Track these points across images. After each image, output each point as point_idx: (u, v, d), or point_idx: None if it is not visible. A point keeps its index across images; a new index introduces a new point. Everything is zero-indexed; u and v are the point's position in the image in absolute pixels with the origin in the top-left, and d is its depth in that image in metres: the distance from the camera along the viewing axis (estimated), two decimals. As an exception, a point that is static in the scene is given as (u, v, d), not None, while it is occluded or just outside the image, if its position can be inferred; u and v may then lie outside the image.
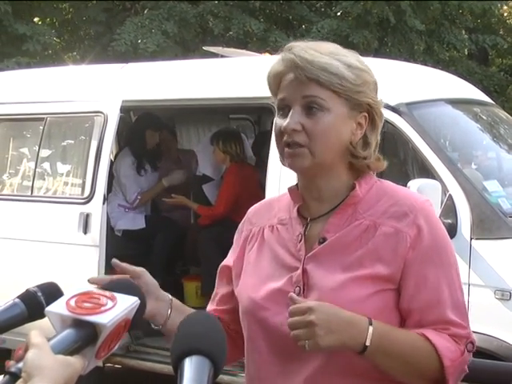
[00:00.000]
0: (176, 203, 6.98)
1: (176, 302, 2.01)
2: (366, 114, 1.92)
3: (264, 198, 2.23)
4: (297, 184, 2.00)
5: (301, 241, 1.94)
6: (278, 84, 1.93)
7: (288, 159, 1.91)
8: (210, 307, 2.14)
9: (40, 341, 1.22)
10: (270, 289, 1.94)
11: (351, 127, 1.90)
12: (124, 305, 1.31)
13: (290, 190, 2.00)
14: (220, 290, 2.12)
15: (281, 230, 2.00)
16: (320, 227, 1.94)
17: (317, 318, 1.74)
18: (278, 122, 1.92)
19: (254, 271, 2.00)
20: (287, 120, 1.88)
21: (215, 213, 6.67)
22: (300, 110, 1.88)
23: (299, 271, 1.91)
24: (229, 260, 2.11)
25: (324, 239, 1.92)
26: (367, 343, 1.78)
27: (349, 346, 1.79)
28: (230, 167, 6.76)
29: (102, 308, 1.29)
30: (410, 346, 1.83)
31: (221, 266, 2.12)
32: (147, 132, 7.08)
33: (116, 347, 1.34)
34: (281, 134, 1.90)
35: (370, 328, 1.78)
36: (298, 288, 1.90)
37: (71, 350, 1.26)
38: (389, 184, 1.99)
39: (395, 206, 1.90)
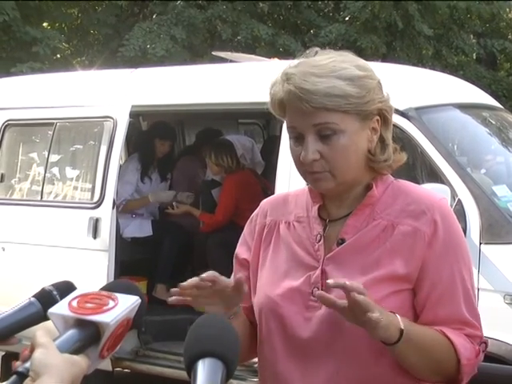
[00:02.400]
0: (180, 213, 6.98)
1: None
2: (378, 117, 1.91)
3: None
4: None
5: (319, 241, 1.94)
6: (283, 110, 1.92)
7: (312, 183, 1.93)
8: None
9: (46, 340, 1.23)
10: (287, 287, 1.94)
11: (367, 136, 1.90)
12: (126, 304, 1.33)
13: (310, 189, 2.00)
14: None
15: (297, 228, 2.00)
16: (338, 228, 1.94)
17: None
18: (294, 149, 1.91)
19: (270, 268, 2.00)
20: (303, 152, 1.87)
21: (215, 221, 6.70)
22: (314, 138, 1.87)
23: (318, 272, 1.91)
24: (241, 251, 2.09)
25: (343, 240, 1.92)
26: (402, 326, 1.77)
27: (389, 331, 1.77)
28: (226, 177, 6.78)
29: (104, 308, 1.31)
30: (432, 340, 1.84)
31: (236, 255, 2.11)
32: (156, 140, 7.11)
33: (118, 347, 1.36)
34: (300, 163, 1.89)
35: (398, 316, 1.79)
36: (315, 289, 1.90)
37: (75, 349, 1.27)
38: (405, 183, 1.99)
39: (412, 204, 1.91)
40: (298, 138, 1.90)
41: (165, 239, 6.92)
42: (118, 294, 1.35)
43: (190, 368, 1.28)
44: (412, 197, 1.93)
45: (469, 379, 1.94)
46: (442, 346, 1.85)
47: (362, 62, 1.93)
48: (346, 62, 1.89)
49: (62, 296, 1.52)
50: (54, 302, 1.53)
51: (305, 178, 1.94)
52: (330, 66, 1.87)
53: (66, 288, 1.58)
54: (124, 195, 6.88)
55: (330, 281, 1.77)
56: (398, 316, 1.79)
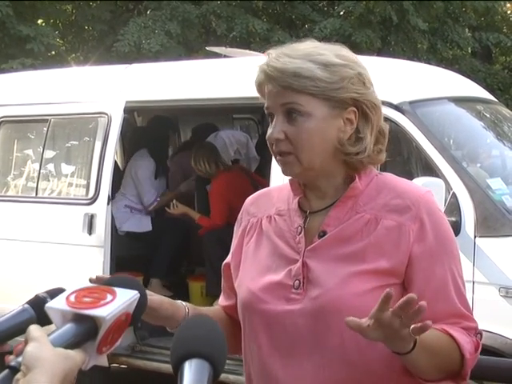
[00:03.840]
0: (179, 213, 6.96)
1: (192, 306, 2.01)
2: (355, 109, 1.88)
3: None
4: None
5: (300, 233, 1.93)
6: (263, 93, 1.93)
7: (280, 167, 1.92)
8: (220, 302, 2.16)
9: (39, 334, 1.23)
10: (268, 281, 1.93)
11: (338, 125, 1.88)
12: (123, 298, 1.32)
13: (291, 181, 1.99)
14: (225, 285, 2.13)
15: (278, 221, 1.99)
16: (319, 220, 1.93)
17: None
18: (268, 131, 1.93)
19: (252, 263, 1.99)
20: (270, 130, 1.89)
21: (213, 225, 6.65)
22: (282, 118, 1.88)
23: (299, 264, 1.90)
24: (229, 256, 2.11)
25: (324, 233, 1.90)
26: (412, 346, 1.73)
27: (402, 342, 1.73)
28: (213, 180, 6.76)
29: (102, 302, 1.30)
30: (438, 341, 1.83)
31: (223, 264, 2.13)
32: (170, 133, 7.20)
33: (118, 343, 1.35)
34: (270, 144, 1.91)
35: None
36: (297, 281, 1.89)
37: (71, 344, 1.26)
38: (389, 176, 1.97)
39: (397, 198, 1.89)
40: (272, 120, 1.91)
41: (164, 236, 6.92)
42: (116, 289, 1.34)
43: (177, 369, 1.28)
44: (396, 191, 1.91)
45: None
46: (447, 345, 1.84)
47: (345, 52, 1.92)
48: (327, 49, 1.90)
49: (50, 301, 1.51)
50: None
51: (277, 162, 1.93)
52: (308, 50, 1.88)
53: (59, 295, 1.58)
54: (151, 199, 6.96)
55: (412, 295, 1.64)
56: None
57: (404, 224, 1.86)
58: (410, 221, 1.86)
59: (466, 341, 1.86)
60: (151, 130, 7.37)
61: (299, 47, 1.90)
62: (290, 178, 2.01)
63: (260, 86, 1.93)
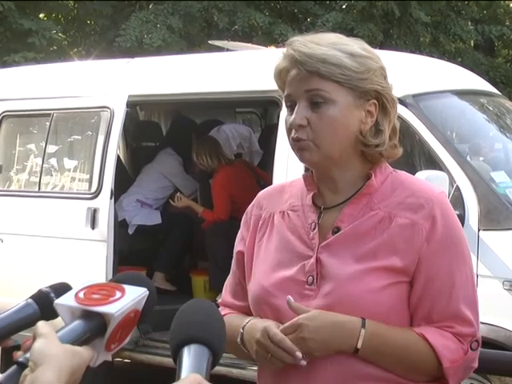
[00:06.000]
0: (183, 206, 6.96)
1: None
2: (376, 101, 1.89)
3: (260, 189, 2.21)
4: (312, 171, 1.99)
5: (314, 229, 1.93)
6: (283, 81, 1.92)
7: (297, 153, 1.91)
8: (228, 299, 2.11)
9: (47, 330, 1.22)
10: (281, 276, 1.93)
11: (360, 116, 1.88)
12: (132, 295, 1.32)
13: (305, 177, 1.99)
14: (234, 280, 2.10)
15: (292, 217, 1.98)
16: (334, 217, 1.93)
17: (307, 333, 1.81)
18: (287, 118, 1.92)
19: (264, 258, 1.98)
20: (292, 116, 1.88)
21: (217, 218, 6.67)
22: (305, 105, 1.87)
23: (312, 260, 1.90)
24: (239, 246, 2.09)
25: (338, 229, 1.90)
26: (358, 346, 1.81)
27: (342, 349, 1.83)
28: (215, 175, 6.76)
29: (111, 299, 1.29)
30: (404, 346, 1.84)
31: (236, 251, 2.10)
32: (192, 134, 7.28)
33: (127, 340, 1.35)
34: (290, 130, 1.90)
35: (362, 331, 1.81)
36: (310, 277, 1.89)
37: (80, 341, 1.26)
38: (404, 175, 1.97)
39: (411, 197, 1.89)
40: (292, 107, 1.90)
41: (173, 230, 6.94)
42: (125, 286, 1.33)
43: (176, 355, 1.26)
44: (411, 189, 1.91)
45: (466, 376, 1.94)
46: (419, 352, 1.84)
47: (367, 46, 1.94)
48: (352, 41, 1.91)
49: (59, 298, 1.51)
50: (50, 303, 1.52)
51: (293, 149, 1.93)
52: (334, 39, 1.90)
53: (63, 290, 1.57)
54: (194, 188, 7.14)
55: (289, 298, 1.84)
56: (363, 330, 1.81)
57: (417, 222, 1.86)
58: (423, 219, 1.86)
59: (448, 348, 1.84)
60: (175, 129, 7.42)
61: (324, 37, 1.90)
62: (303, 173, 2.01)
63: (280, 73, 1.92)
